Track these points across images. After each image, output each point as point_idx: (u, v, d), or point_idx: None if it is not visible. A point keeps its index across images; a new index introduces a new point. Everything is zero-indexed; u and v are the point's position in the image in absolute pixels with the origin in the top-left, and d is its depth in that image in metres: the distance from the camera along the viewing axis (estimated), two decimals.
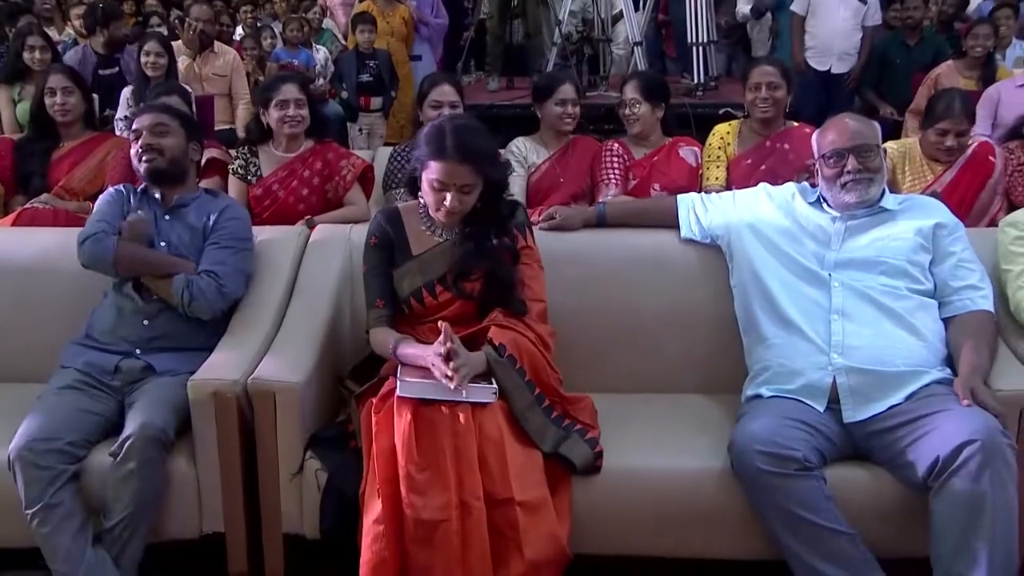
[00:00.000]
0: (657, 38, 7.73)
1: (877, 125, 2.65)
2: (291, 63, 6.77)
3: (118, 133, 4.65)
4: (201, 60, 5.80)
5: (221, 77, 5.87)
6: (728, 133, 3.76)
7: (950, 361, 2.41)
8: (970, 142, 3.56)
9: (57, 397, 2.43)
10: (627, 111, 3.71)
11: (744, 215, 2.71)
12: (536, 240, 2.61)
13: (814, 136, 2.68)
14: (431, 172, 2.38)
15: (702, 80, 6.45)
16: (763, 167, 3.59)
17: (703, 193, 2.99)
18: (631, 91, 3.73)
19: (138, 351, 2.55)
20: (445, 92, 3.66)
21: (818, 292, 2.48)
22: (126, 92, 4.89)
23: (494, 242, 2.46)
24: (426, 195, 2.43)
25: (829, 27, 6.29)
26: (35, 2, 7.69)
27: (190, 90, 4.92)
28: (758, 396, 2.46)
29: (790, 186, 2.74)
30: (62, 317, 2.68)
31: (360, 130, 6.38)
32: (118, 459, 2.27)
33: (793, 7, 6.40)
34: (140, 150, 2.69)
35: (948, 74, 5.40)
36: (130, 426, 2.30)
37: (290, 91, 3.51)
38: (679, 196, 2.89)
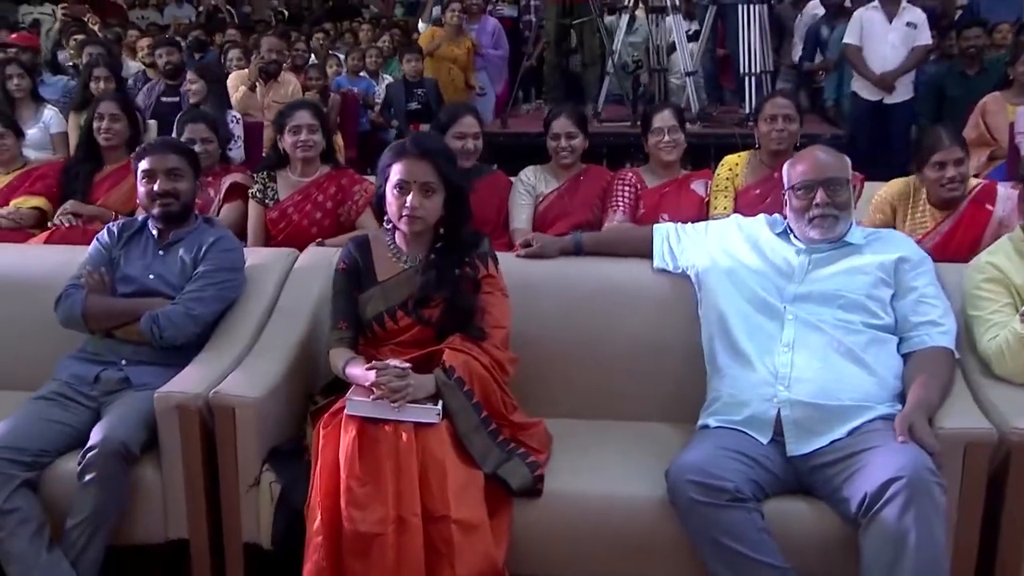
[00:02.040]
0: (714, 68, 7.71)
1: (847, 159, 2.64)
2: (351, 91, 7.00)
3: None
4: (265, 88, 6.04)
5: (280, 105, 6.10)
6: (737, 164, 3.76)
7: (905, 397, 2.37)
8: (973, 184, 3.40)
9: (28, 407, 2.57)
10: (666, 138, 3.73)
11: (713, 246, 2.72)
12: (509, 267, 2.69)
13: (785, 167, 2.68)
14: (394, 175, 2.48)
15: (754, 110, 6.41)
16: (769, 199, 3.57)
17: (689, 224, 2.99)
18: (669, 119, 3.75)
19: (123, 362, 2.68)
20: (468, 123, 3.72)
21: (772, 324, 2.47)
22: (179, 117, 5.14)
23: (456, 271, 2.54)
24: (390, 208, 2.52)
25: (878, 56, 6.18)
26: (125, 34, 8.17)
27: (238, 115, 5.17)
28: (706, 426, 2.46)
29: (761, 218, 2.74)
30: (62, 330, 2.79)
31: None
32: (79, 469, 2.39)
33: (847, 39, 6.31)
34: (156, 193, 2.79)
35: (995, 103, 5.24)
36: (94, 438, 2.41)
37: (303, 117, 3.66)
38: (656, 226, 2.92)
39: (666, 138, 3.70)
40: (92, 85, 5.33)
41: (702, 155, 5.69)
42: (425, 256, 2.55)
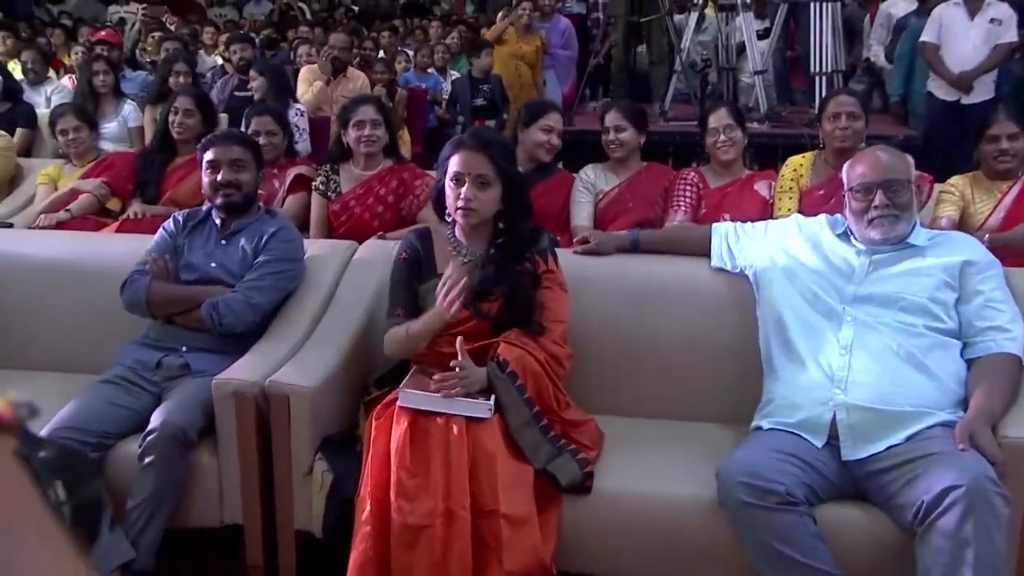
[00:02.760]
0: (784, 67, 7.59)
1: (911, 159, 2.57)
2: (418, 87, 7.03)
3: None
4: (334, 84, 6.10)
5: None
6: (801, 165, 3.69)
7: (967, 405, 2.30)
8: None
9: (93, 390, 2.64)
10: (722, 138, 3.68)
11: (772, 246, 2.68)
12: (565, 263, 2.67)
13: (844, 168, 2.62)
14: (451, 168, 2.50)
15: (819, 109, 6.29)
16: (833, 200, 3.49)
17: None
18: (725, 118, 3.70)
19: (184, 348, 2.74)
20: (555, 119, 3.79)
21: (830, 325, 2.42)
22: (247, 111, 5.22)
23: (516, 267, 2.53)
24: (448, 200, 2.53)
25: (956, 54, 5.93)
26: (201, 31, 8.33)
27: (303, 109, 5.24)
28: (759, 428, 2.41)
29: (821, 218, 2.68)
30: (127, 316, 2.86)
31: None
32: (140, 451, 2.45)
33: (924, 37, 6.08)
34: (219, 184, 2.85)
35: None
36: (153, 422, 2.47)
37: (366, 112, 3.70)
38: (714, 225, 2.88)
39: (721, 137, 3.65)
40: (171, 80, 5.50)
41: (770, 155, 5.61)
42: (485, 250, 2.56)
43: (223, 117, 5.37)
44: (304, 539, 2.56)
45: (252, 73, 5.33)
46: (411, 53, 7.80)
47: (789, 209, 3.56)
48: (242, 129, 4.02)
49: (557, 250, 2.68)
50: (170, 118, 4.11)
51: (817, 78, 6.41)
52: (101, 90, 5.44)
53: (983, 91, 6.00)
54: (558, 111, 3.89)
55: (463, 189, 2.46)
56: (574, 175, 3.89)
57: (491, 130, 2.59)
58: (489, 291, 2.51)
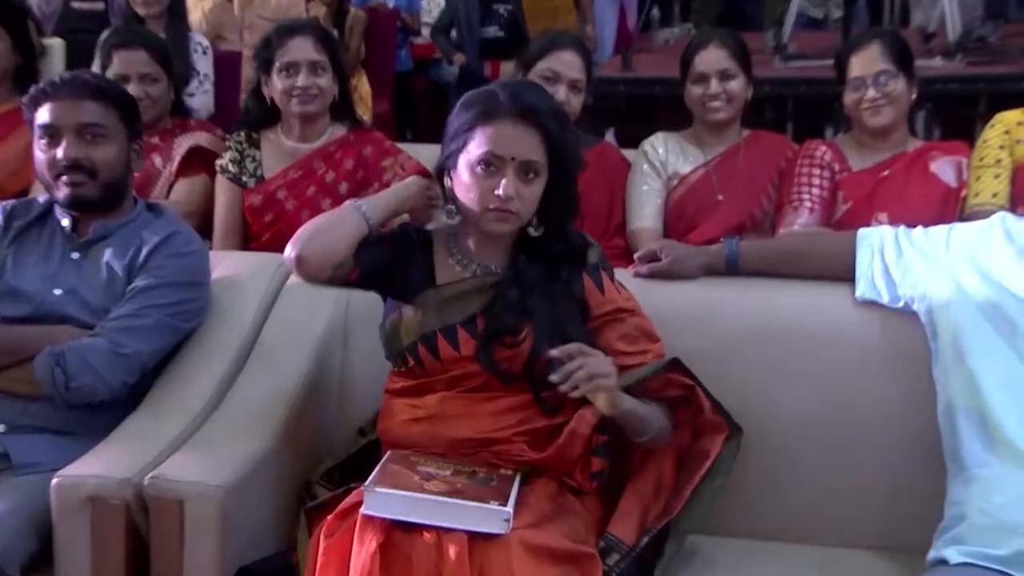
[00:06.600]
0: None
1: None
2: (384, 6, 7.09)
3: None
4: None
5: (272, 23, 6.18)
6: (1020, 124, 3.69)
7: None
8: None
9: None
10: (871, 93, 3.70)
11: (960, 266, 2.69)
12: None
13: None
14: (477, 147, 2.51)
15: None
16: None
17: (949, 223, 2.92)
18: (878, 60, 3.71)
19: (2, 427, 2.75)
20: (567, 61, 3.79)
21: None
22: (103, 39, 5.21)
23: (558, 292, 2.57)
24: (468, 192, 2.53)
25: None
26: None
27: (206, 44, 5.25)
28: (942, 561, 2.41)
29: None
30: None
31: None
32: None
33: None
34: (61, 165, 2.84)
35: None
36: None
37: (301, 48, 3.74)
38: (860, 232, 2.90)
39: (870, 93, 3.67)
40: None
41: (964, 113, 5.57)
42: (505, 265, 2.61)
43: (56, 45, 5.32)
44: None
45: None
46: None
47: (994, 195, 3.59)
48: (96, 69, 4.01)
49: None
50: None
51: None
52: None
53: None
54: (574, 48, 3.87)
55: (502, 181, 2.48)
56: (628, 152, 3.95)
57: (537, 91, 2.58)
58: (512, 329, 2.54)
